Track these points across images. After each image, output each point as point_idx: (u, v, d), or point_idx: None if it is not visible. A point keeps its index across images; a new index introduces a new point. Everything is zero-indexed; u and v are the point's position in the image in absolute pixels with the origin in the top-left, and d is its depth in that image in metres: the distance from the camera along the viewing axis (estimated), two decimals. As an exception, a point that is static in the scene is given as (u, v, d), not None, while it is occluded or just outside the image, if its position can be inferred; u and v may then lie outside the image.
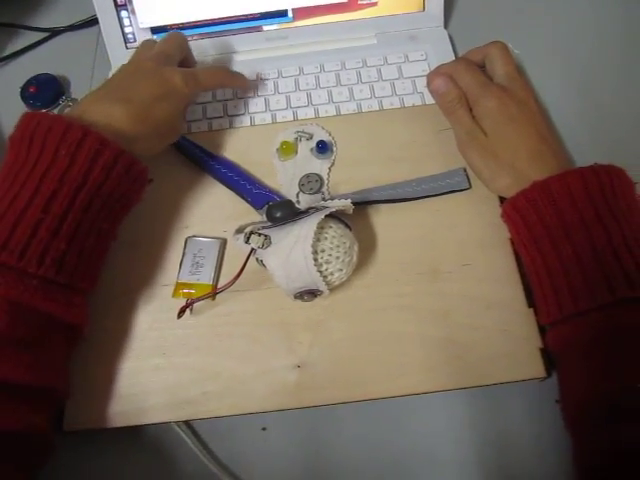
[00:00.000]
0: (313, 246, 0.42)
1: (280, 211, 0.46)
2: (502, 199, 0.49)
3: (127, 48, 0.61)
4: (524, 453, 0.45)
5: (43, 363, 0.39)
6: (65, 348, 0.43)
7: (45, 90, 0.61)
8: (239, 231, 0.47)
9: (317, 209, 0.45)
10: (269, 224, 0.46)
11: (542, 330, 0.45)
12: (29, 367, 0.38)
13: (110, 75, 0.50)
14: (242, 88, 0.59)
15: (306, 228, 0.43)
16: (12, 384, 0.37)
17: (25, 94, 0.61)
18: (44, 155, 0.40)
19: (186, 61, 0.54)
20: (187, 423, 0.46)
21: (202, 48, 0.61)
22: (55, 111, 0.60)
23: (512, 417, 0.46)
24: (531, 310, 0.46)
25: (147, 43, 0.53)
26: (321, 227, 0.43)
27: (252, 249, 0.44)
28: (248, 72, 0.59)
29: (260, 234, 0.44)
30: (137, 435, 0.46)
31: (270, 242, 0.44)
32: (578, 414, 0.41)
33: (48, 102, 0.61)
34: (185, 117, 0.56)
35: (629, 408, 0.38)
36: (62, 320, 0.41)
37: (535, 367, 0.44)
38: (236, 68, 0.60)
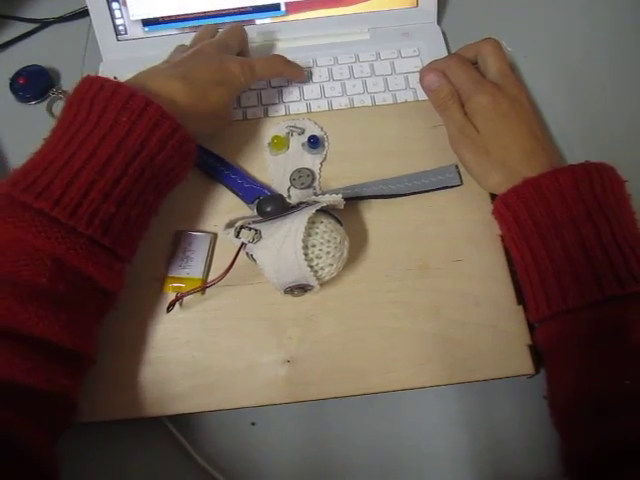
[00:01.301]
0: (304, 241, 0.42)
1: (271, 205, 0.45)
2: (493, 196, 0.49)
3: (118, 40, 0.60)
4: (513, 448, 0.45)
5: (78, 325, 0.40)
6: (97, 314, 0.43)
7: (35, 82, 0.61)
8: (229, 225, 0.47)
9: (308, 204, 0.45)
10: (260, 218, 0.46)
11: (531, 327, 0.46)
12: (65, 327, 0.38)
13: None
14: (297, 78, 0.59)
15: (297, 223, 0.42)
16: (47, 342, 0.37)
17: (14, 85, 0.60)
18: (104, 119, 0.40)
19: (243, 53, 0.55)
20: (176, 417, 0.46)
21: (194, 41, 0.60)
22: (44, 104, 0.60)
23: (501, 412, 0.46)
24: (520, 307, 0.46)
25: (209, 27, 0.55)
26: (312, 222, 0.43)
27: (242, 243, 0.44)
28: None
29: (250, 228, 0.44)
30: (125, 429, 0.46)
31: (260, 236, 0.43)
32: (566, 411, 0.42)
33: (38, 94, 0.60)
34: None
35: (617, 405, 0.39)
36: (100, 284, 0.41)
37: (523, 364, 0.44)
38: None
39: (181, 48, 0.53)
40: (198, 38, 0.55)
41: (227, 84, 0.49)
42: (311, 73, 0.60)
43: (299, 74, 0.58)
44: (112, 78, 0.42)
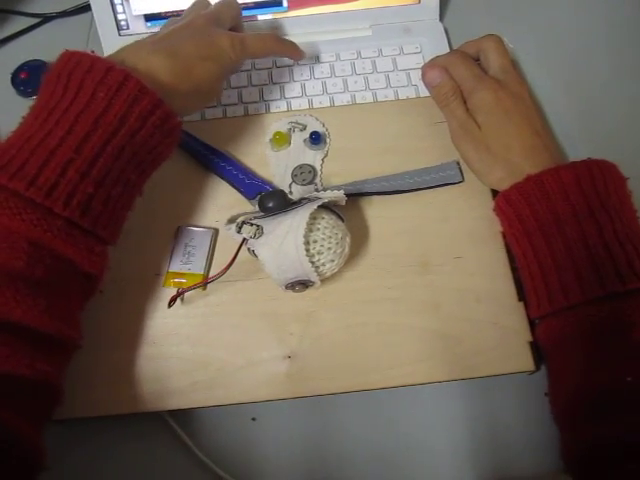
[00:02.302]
0: (305, 237, 0.42)
1: (272, 201, 0.45)
2: (494, 193, 0.49)
3: (120, 35, 0.60)
4: (512, 444, 0.45)
5: (58, 309, 0.39)
6: (80, 298, 0.42)
7: (36, 76, 0.60)
8: (231, 221, 0.47)
9: (310, 200, 0.45)
10: (261, 214, 0.46)
11: (531, 324, 0.46)
12: (44, 311, 0.37)
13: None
14: (293, 57, 0.57)
15: (298, 218, 0.42)
16: (25, 327, 0.36)
17: (16, 80, 0.60)
18: (81, 95, 0.39)
19: (236, 29, 0.53)
20: (176, 412, 0.46)
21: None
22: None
23: (501, 409, 0.46)
24: (521, 304, 0.46)
25: (202, 1, 0.53)
26: (313, 218, 0.43)
27: (244, 239, 0.44)
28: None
29: (252, 224, 0.44)
30: (126, 424, 0.46)
31: (262, 232, 0.43)
32: (567, 408, 0.42)
33: (39, 89, 0.60)
34: (225, 83, 0.54)
35: (618, 402, 0.39)
36: (80, 268, 0.40)
37: (524, 360, 0.45)
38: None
39: (172, 20, 0.51)
40: (189, 11, 0.52)
41: (215, 59, 0.46)
42: (308, 56, 0.58)
43: (294, 52, 0.56)
44: (90, 52, 0.40)
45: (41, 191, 0.36)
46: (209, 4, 0.52)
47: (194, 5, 0.52)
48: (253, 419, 0.46)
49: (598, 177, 0.43)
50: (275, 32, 0.61)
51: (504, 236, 0.48)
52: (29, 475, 0.36)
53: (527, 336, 0.45)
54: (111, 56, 0.43)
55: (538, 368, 0.45)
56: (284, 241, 0.42)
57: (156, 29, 0.59)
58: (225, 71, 0.48)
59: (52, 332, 0.38)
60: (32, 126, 0.39)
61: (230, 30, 0.51)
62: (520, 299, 0.46)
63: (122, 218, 0.43)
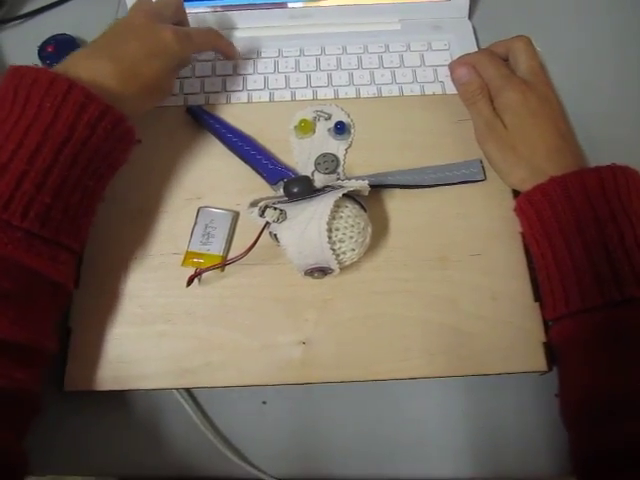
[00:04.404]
0: (328, 224, 0.42)
1: (298, 187, 0.45)
2: (515, 193, 0.49)
3: (149, 14, 0.60)
4: (520, 445, 0.45)
5: (28, 319, 0.39)
6: (51, 306, 0.42)
7: (63, 50, 0.60)
8: (253, 204, 0.47)
9: (333, 188, 0.45)
10: (284, 199, 0.46)
11: (546, 325, 0.46)
12: (14, 323, 0.38)
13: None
14: (228, 55, 0.57)
15: (323, 205, 0.43)
16: None
17: (43, 53, 0.60)
18: (28, 108, 0.39)
19: (181, 24, 0.52)
20: (188, 391, 0.46)
21: (224, 21, 0.60)
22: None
23: (510, 409, 0.46)
24: (537, 304, 0.46)
25: (142, 1, 0.51)
26: (337, 206, 0.43)
27: (266, 223, 0.44)
28: (269, 49, 0.60)
29: (276, 208, 0.44)
30: (138, 400, 0.46)
31: (285, 217, 0.44)
32: (576, 409, 0.42)
33: (66, 63, 0.60)
34: (176, 77, 0.53)
35: (629, 406, 0.39)
36: (47, 276, 0.40)
37: (537, 360, 0.45)
38: (258, 44, 0.60)
39: (115, 22, 0.49)
40: (129, 11, 0.50)
41: (160, 55, 0.46)
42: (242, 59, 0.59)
43: (230, 50, 0.56)
44: (34, 65, 0.41)
45: None
46: (150, 2, 0.51)
47: (134, 5, 0.51)
48: (264, 402, 0.47)
49: (622, 182, 0.43)
50: (304, 22, 0.61)
51: (523, 237, 0.48)
52: None
53: (541, 337, 0.45)
54: (55, 67, 0.43)
55: (550, 369, 0.45)
56: (307, 227, 0.42)
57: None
58: (173, 65, 0.48)
59: (23, 342, 0.38)
60: None
61: (176, 25, 0.50)
62: (536, 300, 0.46)
63: (85, 225, 0.43)
